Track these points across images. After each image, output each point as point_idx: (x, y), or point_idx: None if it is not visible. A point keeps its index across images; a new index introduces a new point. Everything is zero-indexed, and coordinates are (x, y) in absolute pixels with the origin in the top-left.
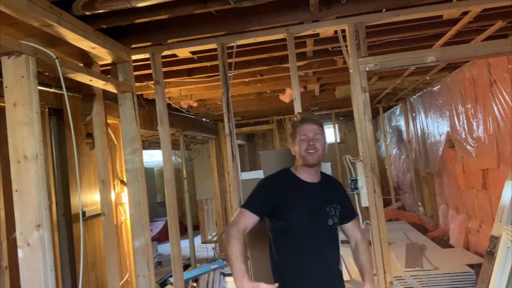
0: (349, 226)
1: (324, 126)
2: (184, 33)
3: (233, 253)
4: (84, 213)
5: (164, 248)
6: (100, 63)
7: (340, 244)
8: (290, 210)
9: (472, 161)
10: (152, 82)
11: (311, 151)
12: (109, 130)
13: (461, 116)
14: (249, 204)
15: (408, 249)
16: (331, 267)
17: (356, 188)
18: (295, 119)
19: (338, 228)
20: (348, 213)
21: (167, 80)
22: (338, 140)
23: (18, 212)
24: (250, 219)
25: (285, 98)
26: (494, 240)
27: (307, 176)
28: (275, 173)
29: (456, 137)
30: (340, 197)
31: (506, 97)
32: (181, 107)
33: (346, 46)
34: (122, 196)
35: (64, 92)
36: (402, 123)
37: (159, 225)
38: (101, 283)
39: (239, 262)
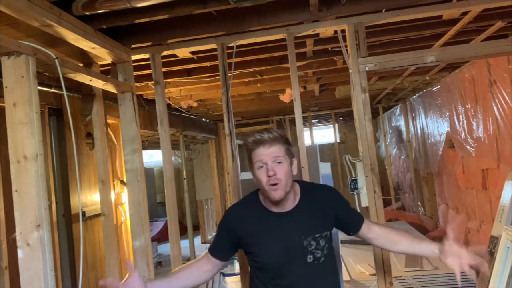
0: (364, 231)
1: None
2: (184, 33)
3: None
4: (84, 213)
5: (164, 248)
6: (100, 63)
7: (338, 278)
8: (257, 248)
9: (472, 161)
10: (152, 82)
11: (273, 185)
12: (109, 130)
13: (461, 116)
14: (211, 246)
15: None
16: None
17: (356, 188)
18: (248, 140)
19: (330, 259)
20: (352, 223)
21: (167, 80)
22: (338, 140)
23: (18, 212)
24: (210, 261)
25: (285, 98)
26: (494, 240)
27: (276, 207)
28: (239, 202)
29: (456, 137)
30: (331, 215)
31: (506, 97)
32: (181, 107)
33: (346, 46)
34: (122, 196)
35: (64, 92)
36: (402, 123)
37: (159, 225)
38: None
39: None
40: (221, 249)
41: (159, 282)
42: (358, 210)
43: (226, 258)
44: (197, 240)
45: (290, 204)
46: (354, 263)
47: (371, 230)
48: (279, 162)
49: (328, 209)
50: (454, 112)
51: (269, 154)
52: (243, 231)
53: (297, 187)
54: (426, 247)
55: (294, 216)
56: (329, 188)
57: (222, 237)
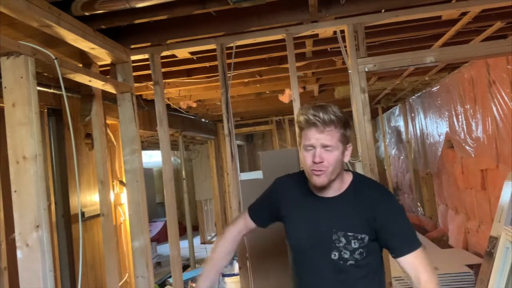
0: (405, 263)
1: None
2: (183, 34)
3: (211, 252)
4: (83, 214)
5: (164, 249)
6: (99, 63)
7: (368, 283)
8: (289, 224)
9: (471, 161)
10: (151, 82)
11: (316, 171)
12: (108, 131)
13: (460, 116)
14: (251, 207)
15: None
16: None
17: None
18: (300, 117)
19: (364, 265)
20: (397, 244)
21: (166, 80)
22: None
23: (17, 212)
24: (248, 223)
25: (284, 98)
26: (493, 241)
27: (317, 190)
28: (291, 174)
29: (455, 137)
30: (376, 221)
31: (505, 97)
32: (180, 108)
33: (345, 46)
34: (121, 196)
35: (63, 92)
36: (401, 123)
37: (158, 225)
38: (100, 283)
39: (207, 263)
40: (259, 211)
41: (216, 257)
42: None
43: (260, 222)
44: (197, 240)
45: (332, 192)
46: None
47: (414, 272)
48: (328, 149)
49: (370, 211)
50: (453, 112)
51: (319, 139)
52: (284, 200)
53: (348, 177)
54: None
55: (332, 205)
56: (383, 190)
57: (265, 199)
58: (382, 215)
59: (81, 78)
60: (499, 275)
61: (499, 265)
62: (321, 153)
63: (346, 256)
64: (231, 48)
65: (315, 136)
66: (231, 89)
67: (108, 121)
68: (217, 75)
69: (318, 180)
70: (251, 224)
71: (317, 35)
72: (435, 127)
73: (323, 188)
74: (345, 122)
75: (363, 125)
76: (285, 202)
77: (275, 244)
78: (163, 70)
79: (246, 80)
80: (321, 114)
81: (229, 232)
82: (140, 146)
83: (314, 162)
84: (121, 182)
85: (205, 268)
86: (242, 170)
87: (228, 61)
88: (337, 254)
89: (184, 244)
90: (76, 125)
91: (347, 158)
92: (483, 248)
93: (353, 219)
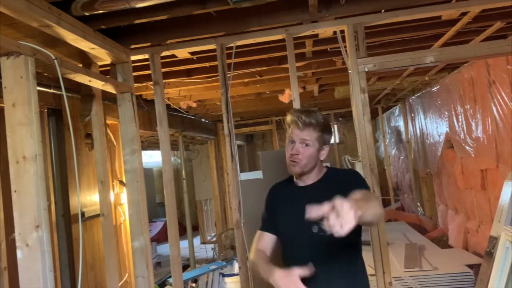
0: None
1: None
2: (183, 34)
3: (259, 267)
4: (83, 214)
5: (164, 249)
6: (99, 63)
7: (349, 254)
8: (278, 219)
9: (471, 161)
10: (151, 82)
11: (292, 162)
12: (108, 131)
13: (460, 116)
14: (261, 226)
15: (407, 250)
16: (320, 285)
17: None
18: (288, 117)
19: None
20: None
21: (166, 80)
22: (337, 141)
23: (17, 212)
24: (266, 239)
25: (284, 98)
26: (493, 241)
27: (300, 180)
28: (282, 180)
29: (455, 137)
30: (345, 191)
31: (505, 97)
32: (180, 108)
33: (345, 46)
34: (121, 196)
35: (63, 92)
36: (401, 123)
37: (158, 225)
38: (100, 283)
39: (264, 266)
40: (269, 222)
41: (267, 263)
42: None
43: (273, 231)
44: (197, 240)
45: (311, 180)
46: None
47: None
48: (306, 144)
49: (346, 188)
50: (453, 112)
51: (298, 135)
52: (278, 201)
53: (324, 169)
54: None
55: (312, 189)
56: (352, 171)
57: (267, 210)
58: (351, 186)
59: (81, 78)
60: (499, 275)
61: (499, 265)
62: (298, 148)
63: (324, 227)
64: (231, 48)
65: (295, 133)
66: (231, 89)
67: (108, 121)
68: (217, 75)
69: (292, 169)
70: (269, 239)
71: (317, 35)
72: (435, 127)
73: (300, 176)
74: (324, 127)
75: (363, 125)
76: (278, 202)
77: None
78: (163, 70)
79: (246, 80)
80: (303, 116)
81: (258, 252)
82: (140, 146)
83: (291, 154)
84: (121, 182)
85: (267, 269)
86: (242, 170)
87: (228, 61)
88: (316, 227)
89: (184, 244)
90: (76, 125)
91: (323, 157)
92: (483, 248)
93: (328, 195)
